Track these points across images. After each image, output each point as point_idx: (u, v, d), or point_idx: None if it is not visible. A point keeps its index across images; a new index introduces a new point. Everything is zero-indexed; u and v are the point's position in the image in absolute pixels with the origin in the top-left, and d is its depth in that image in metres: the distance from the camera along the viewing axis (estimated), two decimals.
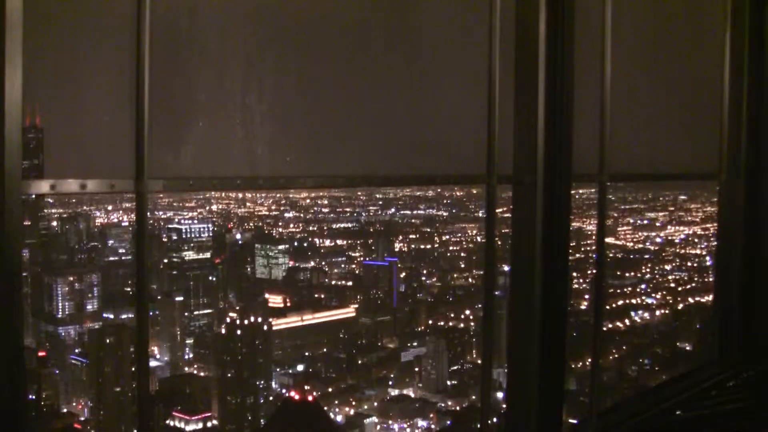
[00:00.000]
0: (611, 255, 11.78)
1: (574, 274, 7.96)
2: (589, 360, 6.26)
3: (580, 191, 7.29)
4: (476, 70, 5.19)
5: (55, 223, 11.63)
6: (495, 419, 5.84)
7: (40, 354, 11.22)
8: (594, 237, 6.50)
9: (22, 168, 3.30)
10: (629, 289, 12.90)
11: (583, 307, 9.54)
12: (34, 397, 10.74)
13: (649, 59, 6.54)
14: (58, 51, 4.06)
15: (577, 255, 9.36)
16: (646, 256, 13.75)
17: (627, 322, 12.76)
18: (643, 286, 13.32)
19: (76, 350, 11.49)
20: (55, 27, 4.00)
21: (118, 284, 12.01)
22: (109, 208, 11.62)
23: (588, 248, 9.00)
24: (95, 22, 4.10)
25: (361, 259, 13.08)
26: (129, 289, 11.80)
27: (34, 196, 3.55)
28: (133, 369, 10.97)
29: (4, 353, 3.30)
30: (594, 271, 6.70)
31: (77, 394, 11.37)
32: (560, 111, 5.17)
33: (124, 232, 11.88)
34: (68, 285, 11.60)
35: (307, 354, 12.48)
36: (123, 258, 11.88)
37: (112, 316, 11.74)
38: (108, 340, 11.50)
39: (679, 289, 13.59)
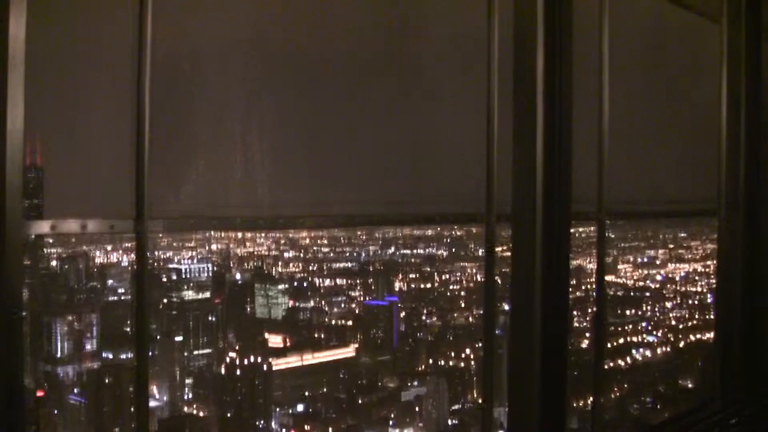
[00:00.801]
0: (612, 293, 11.75)
1: (575, 312, 7.95)
2: (591, 398, 6.24)
3: (580, 229, 7.30)
4: (476, 107, 5.22)
5: (54, 263, 11.58)
6: None
7: (39, 394, 11.13)
8: (593, 274, 6.50)
9: (23, 208, 3.31)
10: (630, 326, 12.85)
11: (584, 345, 9.50)
12: None
13: (646, 94, 6.58)
14: (58, 90, 4.08)
15: (578, 293, 9.34)
16: (647, 294, 13.70)
17: (628, 360, 12.69)
18: (644, 324, 13.27)
19: (75, 390, 11.40)
20: (55, 66, 4.02)
21: (117, 324, 11.94)
22: (109, 247, 11.58)
23: (588, 286, 9.00)
24: (96, 60, 4.12)
25: (361, 298, 13.01)
26: (128, 329, 11.74)
27: (33, 237, 3.56)
28: (132, 409, 10.86)
29: (4, 393, 3.29)
30: (594, 309, 6.70)
31: None
32: (559, 149, 5.20)
33: (124, 271, 11.83)
34: (67, 325, 11.54)
35: (307, 394, 12.39)
36: (122, 298, 11.83)
37: (111, 356, 11.66)
38: (107, 380, 11.41)
39: (680, 326, 13.55)
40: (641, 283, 13.72)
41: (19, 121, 3.29)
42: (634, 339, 13.00)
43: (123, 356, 11.51)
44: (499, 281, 5.47)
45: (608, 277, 6.58)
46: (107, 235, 10.53)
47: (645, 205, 6.52)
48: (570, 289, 5.52)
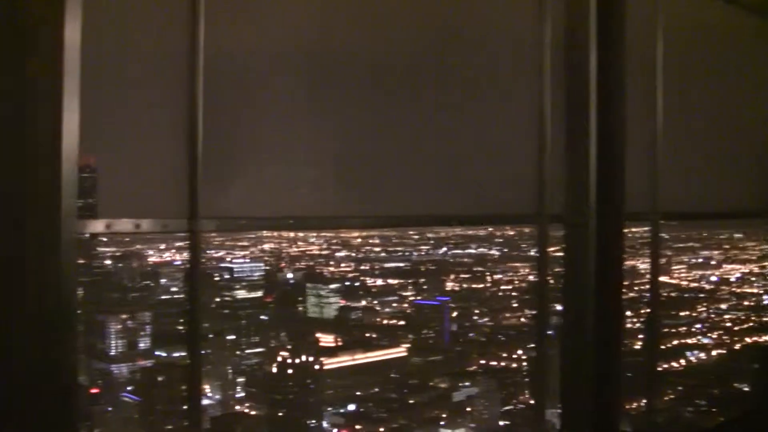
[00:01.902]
0: (665, 294, 11.63)
1: (628, 313, 7.87)
2: (644, 401, 6.19)
3: (633, 229, 7.23)
4: (527, 108, 5.20)
5: (108, 262, 11.70)
6: None
7: (93, 391, 11.25)
8: (647, 275, 6.44)
9: (77, 208, 3.34)
10: (684, 328, 12.70)
11: (637, 347, 9.41)
12: None
13: (701, 93, 6.50)
14: (112, 91, 4.12)
15: (631, 294, 9.25)
16: (701, 295, 13.54)
17: (682, 362, 12.54)
18: (698, 326, 13.11)
19: (128, 388, 11.51)
20: (108, 67, 4.06)
21: (169, 323, 12.03)
22: (162, 246, 11.67)
23: (641, 287, 8.90)
24: (149, 62, 4.15)
25: (413, 298, 12.98)
26: (181, 328, 11.80)
27: (88, 236, 3.59)
28: (185, 407, 10.92)
29: (59, 390, 3.33)
30: (648, 311, 6.63)
31: (129, 431, 11.38)
32: (612, 150, 5.16)
33: (176, 270, 11.91)
34: (121, 323, 11.65)
35: (358, 394, 12.39)
36: (175, 297, 11.91)
37: (164, 354, 11.76)
38: (159, 378, 11.51)
39: (736, 328, 13.37)
40: (695, 284, 13.56)
41: (75, 123, 3.33)
42: (688, 341, 12.86)
43: (175, 355, 11.61)
44: (552, 281, 5.43)
45: (662, 278, 6.51)
46: (160, 234, 10.62)
47: (699, 206, 6.45)
48: (623, 290, 5.47)
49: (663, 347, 12.07)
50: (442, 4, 5.43)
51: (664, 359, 12.06)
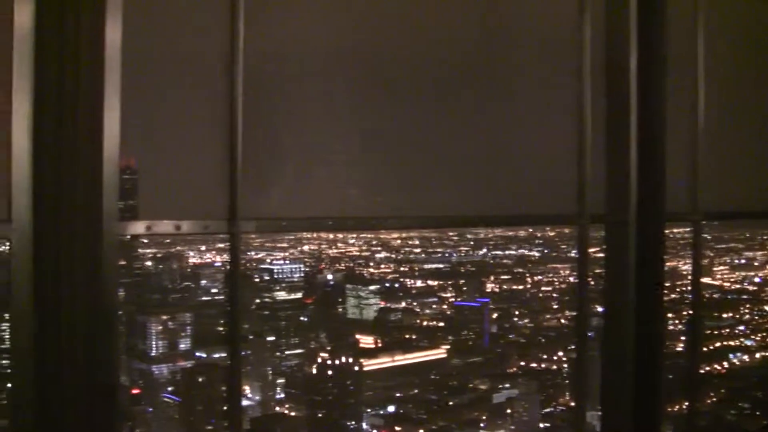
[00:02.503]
0: (707, 295, 11.52)
1: (669, 315, 7.81)
2: (686, 403, 6.13)
3: (674, 230, 7.17)
4: (566, 108, 5.17)
5: (149, 263, 11.79)
6: None
7: (134, 392, 11.35)
8: (689, 277, 6.38)
9: (118, 209, 3.36)
10: (726, 330, 12.57)
11: (678, 348, 9.34)
12: None
13: (742, 92, 6.43)
14: (152, 93, 4.14)
15: (672, 295, 9.18)
16: (744, 297, 13.40)
17: (725, 364, 12.41)
18: (741, 328, 12.98)
19: (169, 388, 11.59)
20: (150, 71, 4.09)
21: (210, 324, 12.10)
22: (202, 248, 11.74)
23: (683, 288, 8.83)
24: (189, 65, 4.17)
25: (452, 299, 12.96)
26: (221, 329, 11.88)
27: (129, 237, 3.60)
28: (225, 408, 11.02)
29: (102, 390, 3.35)
30: (689, 312, 6.57)
31: (169, 431, 11.46)
32: (652, 149, 5.11)
33: (217, 272, 11.98)
34: (161, 324, 11.74)
35: (397, 395, 12.38)
36: (215, 298, 11.97)
37: (204, 355, 11.82)
38: (200, 379, 11.57)
39: None
40: (738, 286, 13.43)
41: (116, 125, 3.35)
42: (731, 343, 12.73)
43: (216, 356, 11.67)
44: (592, 283, 5.39)
45: (703, 279, 6.46)
46: (200, 236, 10.69)
47: (742, 205, 6.38)
48: (665, 291, 5.43)
49: (705, 349, 11.97)
50: (480, 4, 5.42)
51: (706, 361, 11.96)
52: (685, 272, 8.74)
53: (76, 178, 3.30)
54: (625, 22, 5.09)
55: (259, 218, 3.93)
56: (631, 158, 5.08)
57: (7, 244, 3.27)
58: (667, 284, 5.40)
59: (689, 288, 6.46)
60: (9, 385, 3.35)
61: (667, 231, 5.30)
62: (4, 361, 8.94)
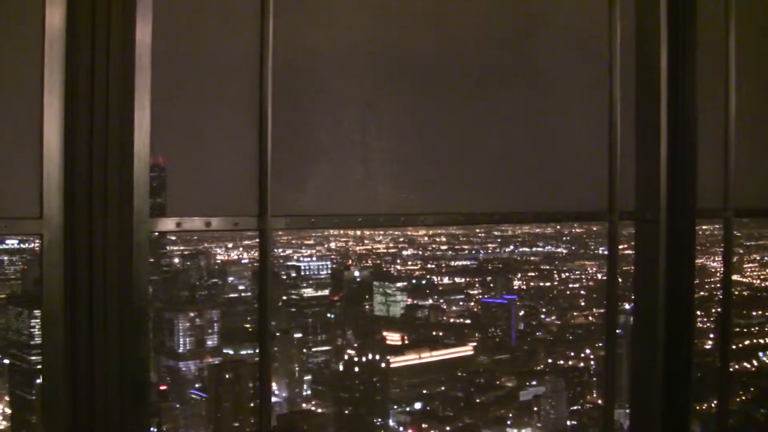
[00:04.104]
0: (736, 293, 11.44)
1: (698, 312, 7.78)
2: (715, 402, 6.09)
3: (704, 227, 7.13)
4: (596, 105, 5.14)
5: (177, 260, 11.84)
6: None
7: (162, 388, 11.41)
8: (718, 274, 6.34)
9: (149, 206, 3.37)
10: (756, 328, 12.47)
11: (707, 346, 9.29)
12: (155, 430, 10.95)
13: None
14: (182, 91, 4.15)
15: (701, 293, 9.12)
16: None
17: (754, 362, 12.32)
18: None
19: (196, 385, 11.64)
20: (179, 68, 4.10)
21: (237, 320, 12.14)
22: (230, 245, 11.78)
23: (712, 286, 8.78)
24: (219, 63, 4.18)
25: (480, 296, 12.95)
26: (248, 326, 11.93)
27: (156, 234, 3.61)
28: (252, 405, 11.07)
29: (132, 387, 3.37)
30: (719, 310, 6.53)
31: (197, 428, 11.51)
32: (683, 146, 5.07)
33: (244, 269, 12.02)
34: (189, 321, 11.79)
35: (424, 392, 12.39)
36: (242, 295, 12.01)
37: (231, 352, 11.87)
38: (227, 376, 11.62)
39: None
40: None
41: (147, 123, 3.36)
42: (761, 341, 12.64)
43: (243, 352, 11.71)
44: (620, 280, 5.36)
45: (733, 277, 6.40)
46: (228, 233, 10.71)
47: None
48: (695, 289, 5.39)
49: (734, 347, 11.88)
50: (511, 2, 5.40)
51: (735, 360, 11.87)
52: (714, 269, 8.69)
53: (107, 175, 3.31)
54: (655, 17, 5.05)
55: (289, 215, 3.93)
56: (662, 154, 5.04)
57: (39, 240, 3.29)
58: (696, 281, 5.36)
59: (718, 285, 6.42)
60: (40, 380, 3.37)
61: (696, 228, 5.26)
62: (35, 357, 9.02)
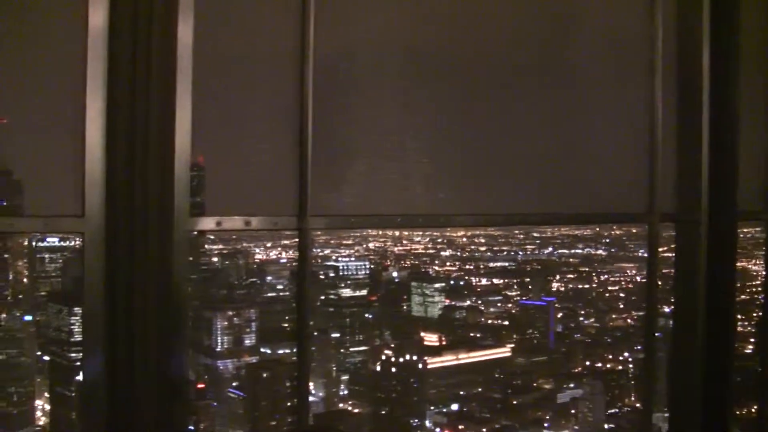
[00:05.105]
0: None
1: (739, 316, 7.70)
2: (755, 407, 6.05)
3: (745, 229, 7.06)
4: (637, 103, 5.11)
5: (215, 259, 11.89)
6: None
7: (199, 386, 11.45)
8: (760, 277, 6.29)
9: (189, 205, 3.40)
10: None
11: (747, 351, 9.19)
12: (192, 428, 10.99)
13: None
14: (222, 90, 4.17)
15: (742, 296, 9.03)
16: None
17: None
18: None
19: (234, 384, 11.67)
20: (219, 67, 4.11)
21: (275, 320, 12.16)
22: (268, 244, 11.80)
23: (753, 289, 8.69)
24: (259, 62, 4.20)
25: (518, 298, 12.89)
26: (286, 325, 11.95)
27: (195, 233, 3.65)
28: (289, 404, 11.08)
29: (170, 384, 3.39)
30: (760, 314, 6.48)
31: (234, 426, 11.55)
32: (724, 147, 5.04)
33: (282, 268, 12.04)
34: (227, 320, 11.83)
35: (461, 393, 12.35)
36: (281, 294, 12.03)
37: (269, 351, 11.89)
38: (264, 375, 11.64)
39: None
40: None
41: (187, 123, 3.38)
42: None
43: (280, 352, 11.73)
44: (659, 283, 5.33)
45: None
46: (266, 233, 10.73)
47: None
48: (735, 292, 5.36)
49: None
50: (552, 3, 5.38)
51: None
52: (755, 272, 8.59)
53: (148, 174, 3.33)
54: (697, 15, 5.03)
55: (328, 215, 3.94)
56: (703, 156, 5.02)
57: (81, 238, 3.32)
58: (737, 285, 5.32)
59: (760, 289, 6.37)
60: (80, 378, 3.40)
61: (737, 230, 5.23)
62: (75, 354, 9.10)
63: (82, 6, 3.29)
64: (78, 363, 8.71)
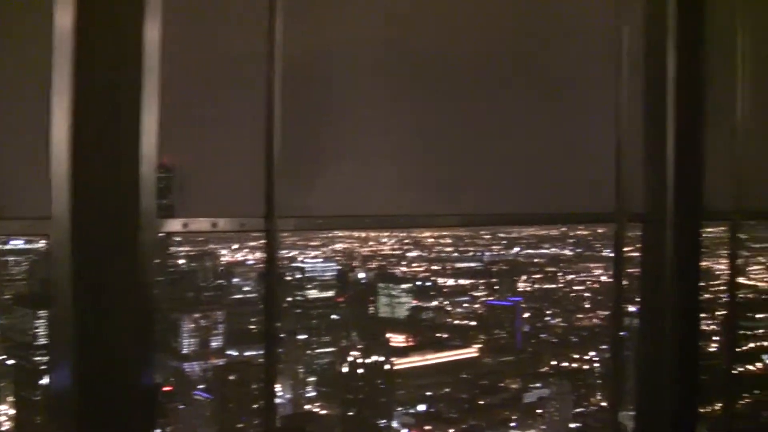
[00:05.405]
0: (742, 296, 11.40)
1: (704, 315, 7.78)
2: (721, 405, 6.10)
3: (708, 229, 7.12)
4: (603, 105, 5.14)
5: (182, 261, 11.83)
6: None
7: (166, 389, 11.40)
8: (724, 277, 6.34)
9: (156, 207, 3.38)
10: (761, 331, 12.44)
11: (712, 349, 9.27)
12: (159, 431, 10.93)
13: None
14: (189, 91, 4.16)
15: (706, 295, 9.09)
16: None
17: (759, 365, 12.30)
18: None
19: (201, 386, 11.63)
20: (186, 68, 4.10)
21: (242, 322, 12.13)
22: (235, 246, 11.77)
23: (717, 288, 8.76)
24: (226, 62, 4.19)
25: (485, 298, 12.92)
26: (253, 327, 11.92)
27: (163, 235, 3.63)
28: (256, 406, 11.06)
29: (138, 388, 3.37)
30: (724, 313, 6.53)
31: (201, 429, 11.50)
32: (690, 147, 5.08)
33: (249, 270, 12.01)
34: (194, 322, 11.78)
35: (428, 394, 12.37)
36: (248, 296, 12.00)
37: (236, 353, 11.86)
38: (232, 377, 11.62)
39: None
40: None
41: (154, 123, 3.37)
42: (766, 344, 12.61)
43: (247, 353, 11.70)
44: (625, 282, 5.36)
45: (739, 279, 6.40)
46: (233, 234, 10.71)
47: None
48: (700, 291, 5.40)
49: (740, 350, 11.86)
50: (521, 5, 5.40)
51: (741, 362, 11.84)
52: (719, 272, 8.67)
53: (115, 175, 3.32)
54: (663, 18, 5.06)
55: (296, 216, 3.94)
56: (669, 156, 5.05)
57: (47, 241, 3.29)
58: (702, 284, 5.37)
59: (724, 288, 6.42)
60: (46, 381, 3.37)
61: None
62: (40, 358, 9.03)
63: (48, 6, 3.27)
64: (44, 367, 8.64)
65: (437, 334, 12.90)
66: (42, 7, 3.28)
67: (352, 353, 12.27)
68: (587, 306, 13.13)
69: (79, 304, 3.27)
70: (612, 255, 5.26)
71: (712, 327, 9.72)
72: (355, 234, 12.42)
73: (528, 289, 13.25)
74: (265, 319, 3.91)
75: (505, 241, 13.27)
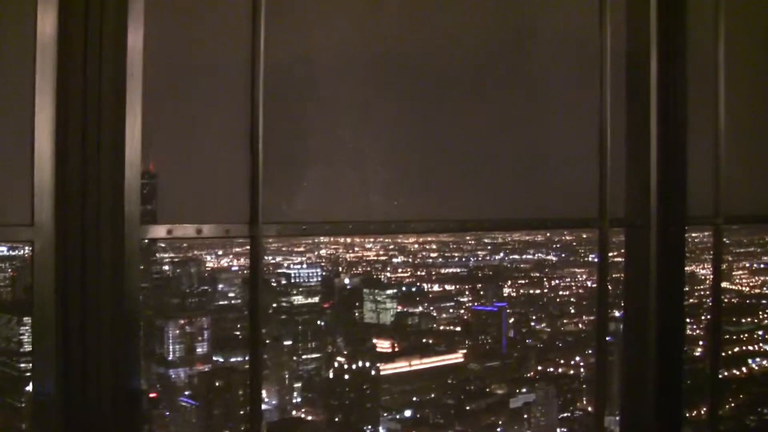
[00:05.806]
0: (726, 300, 11.46)
1: (688, 319, 7.81)
2: (705, 409, 6.10)
3: (693, 234, 7.14)
4: (587, 111, 5.15)
5: (167, 267, 11.82)
6: None
7: (152, 395, 11.39)
8: (708, 281, 6.35)
9: (140, 213, 3.37)
10: (746, 335, 12.51)
11: (697, 353, 9.31)
12: None
13: (766, 95, 6.39)
14: (173, 97, 4.15)
15: (691, 300, 9.14)
16: (763, 301, 13.32)
17: (744, 369, 12.35)
18: (760, 332, 12.90)
19: (186, 392, 11.62)
20: (170, 74, 4.09)
21: (227, 328, 12.13)
22: (219, 252, 11.76)
23: (701, 293, 8.80)
24: (210, 68, 4.18)
25: (470, 304, 12.95)
26: (238, 333, 11.92)
27: (147, 241, 3.62)
28: (242, 412, 11.05)
29: (123, 394, 3.36)
30: (708, 317, 6.54)
31: None
32: (673, 152, 5.09)
33: (234, 276, 12.00)
34: (179, 328, 11.77)
35: (414, 399, 12.38)
36: (233, 302, 12.00)
37: (221, 360, 11.85)
38: (217, 383, 11.61)
39: None
40: (758, 290, 13.35)
41: (138, 130, 3.35)
42: (750, 348, 12.66)
43: (233, 360, 11.69)
44: (610, 287, 5.36)
45: (723, 284, 6.42)
46: (218, 240, 10.70)
47: (764, 210, 6.33)
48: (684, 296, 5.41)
49: (724, 354, 11.90)
50: (503, 8, 5.41)
51: (725, 366, 11.89)
52: (703, 276, 8.70)
53: (99, 182, 3.30)
54: (645, 23, 5.07)
55: (280, 222, 3.93)
56: (652, 161, 5.05)
57: (30, 247, 3.28)
58: (686, 289, 5.37)
59: (708, 292, 6.43)
60: (30, 388, 3.37)
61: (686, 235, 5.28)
62: (25, 365, 9.01)
63: (31, 12, 3.26)
64: (28, 373, 8.62)
65: (423, 340, 12.92)
66: (25, 13, 3.27)
67: (337, 359, 12.28)
68: (572, 311, 13.18)
69: (63, 311, 3.26)
70: (596, 260, 5.27)
71: (696, 331, 9.76)
72: (340, 240, 12.43)
73: (513, 294, 13.30)
74: (250, 325, 3.89)
75: (490, 247, 13.31)
